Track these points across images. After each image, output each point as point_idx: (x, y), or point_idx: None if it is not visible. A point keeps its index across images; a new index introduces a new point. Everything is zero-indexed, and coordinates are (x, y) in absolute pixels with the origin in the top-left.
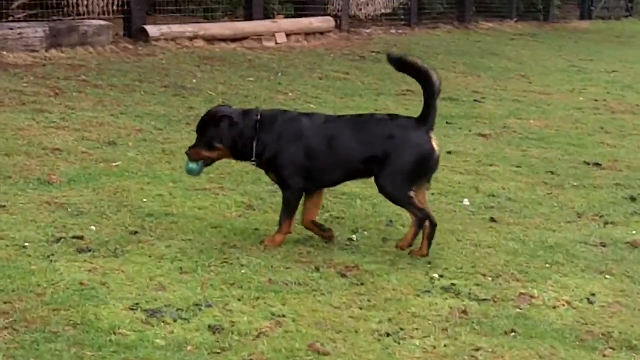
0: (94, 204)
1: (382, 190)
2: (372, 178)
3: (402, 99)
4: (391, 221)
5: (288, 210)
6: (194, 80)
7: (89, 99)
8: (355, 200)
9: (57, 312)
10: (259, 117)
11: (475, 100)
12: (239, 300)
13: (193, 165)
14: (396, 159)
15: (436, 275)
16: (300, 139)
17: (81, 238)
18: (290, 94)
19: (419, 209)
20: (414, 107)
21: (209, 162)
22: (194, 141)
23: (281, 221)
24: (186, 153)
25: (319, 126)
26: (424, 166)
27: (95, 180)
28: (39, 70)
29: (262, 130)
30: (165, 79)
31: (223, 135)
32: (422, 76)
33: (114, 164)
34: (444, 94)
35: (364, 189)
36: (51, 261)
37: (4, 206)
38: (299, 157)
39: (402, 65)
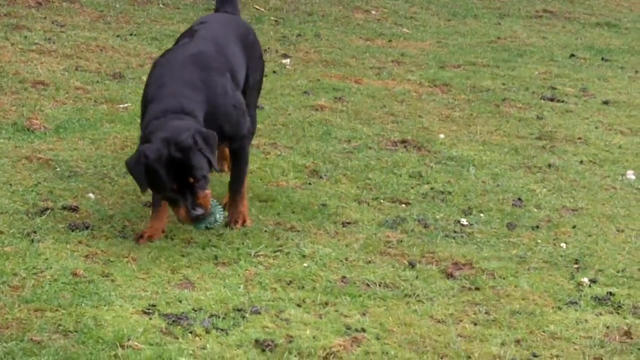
0: (93, 161)
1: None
2: None
3: (536, 23)
4: (520, 199)
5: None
6: None
7: (85, 12)
8: (468, 168)
9: (40, 314)
10: None
11: None
12: (299, 305)
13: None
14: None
15: (586, 280)
16: None
17: (75, 209)
18: (373, 12)
19: None
20: (553, 35)
21: None
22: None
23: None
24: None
25: None
26: None
27: (95, 127)
28: None
29: None
30: None
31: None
32: None
33: (121, 106)
34: (598, 17)
35: (481, 152)
36: (32, 240)
37: None
38: None
39: None
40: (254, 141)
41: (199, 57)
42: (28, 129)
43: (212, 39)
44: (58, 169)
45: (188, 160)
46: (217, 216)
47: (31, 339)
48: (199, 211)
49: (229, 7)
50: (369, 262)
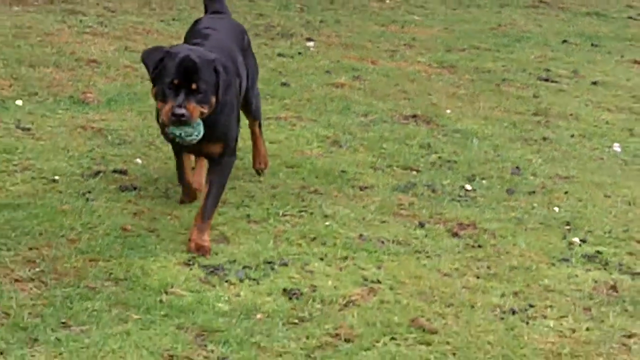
0: (140, 130)
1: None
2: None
3: (532, 12)
4: (518, 168)
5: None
6: None
7: None
8: (471, 140)
9: (94, 263)
10: None
11: (630, 17)
12: (322, 259)
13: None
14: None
15: (577, 240)
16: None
17: (124, 172)
18: (387, 1)
19: None
20: (548, 23)
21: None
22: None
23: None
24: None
25: None
26: None
27: (142, 101)
28: None
29: None
30: None
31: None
32: None
33: None
34: (588, 7)
35: (483, 126)
36: (87, 200)
37: (29, 129)
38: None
39: None
40: (282, 114)
41: (220, 50)
42: (83, 102)
43: (225, 45)
44: (109, 137)
45: (201, 70)
46: (196, 133)
47: (86, 286)
48: (182, 111)
49: (219, 5)
50: (384, 222)
